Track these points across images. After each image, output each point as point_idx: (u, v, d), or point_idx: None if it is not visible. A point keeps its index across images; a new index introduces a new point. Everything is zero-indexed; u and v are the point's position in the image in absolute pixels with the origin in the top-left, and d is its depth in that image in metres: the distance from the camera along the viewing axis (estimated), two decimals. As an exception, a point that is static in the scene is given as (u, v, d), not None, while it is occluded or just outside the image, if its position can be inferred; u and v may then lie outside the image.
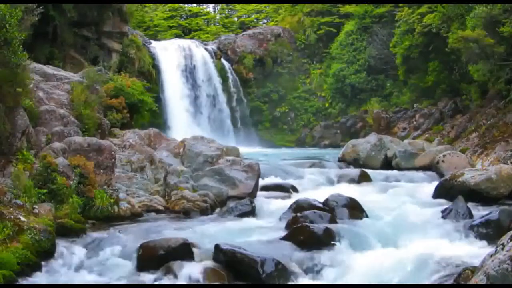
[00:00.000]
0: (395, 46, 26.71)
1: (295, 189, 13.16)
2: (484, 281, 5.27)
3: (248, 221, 10.15)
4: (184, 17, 42.79)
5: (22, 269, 7.01)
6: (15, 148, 9.87)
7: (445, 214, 9.90)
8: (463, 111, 22.63)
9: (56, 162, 9.58)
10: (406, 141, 19.33)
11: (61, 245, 8.08)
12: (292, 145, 30.06)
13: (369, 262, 7.59)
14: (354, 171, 15.31)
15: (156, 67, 27.24)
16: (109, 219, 9.79)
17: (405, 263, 7.46)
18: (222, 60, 31.11)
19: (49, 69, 14.65)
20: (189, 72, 28.96)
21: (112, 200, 10.03)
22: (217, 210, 11.14)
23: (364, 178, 14.53)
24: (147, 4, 41.05)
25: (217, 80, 29.68)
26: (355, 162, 17.58)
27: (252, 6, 43.13)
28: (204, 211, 10.84)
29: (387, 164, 17.29)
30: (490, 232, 8.60)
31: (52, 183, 9.22)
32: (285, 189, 13.13)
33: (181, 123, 26.09)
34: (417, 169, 16.26)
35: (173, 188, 11.44)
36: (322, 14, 33.61)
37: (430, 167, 15.95)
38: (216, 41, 33.33)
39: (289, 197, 12.17)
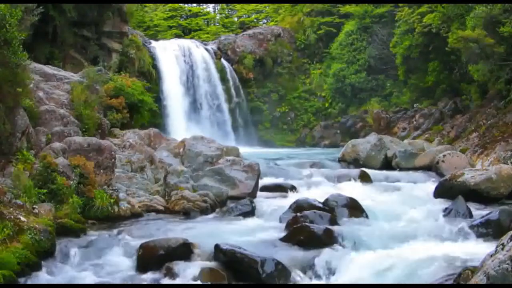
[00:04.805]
0: (395, 46, 26.70)
1: (295, 189, 13.15)
2: (484, 281, 5.26)
3: (248, 221, 10.15)
4: (184, 17, 42.78)
5: (22, 269, 7.01)
6: (15, 148, 9.87)
7: (445, 214, 9.91)
8: (463, 111, 22.62)
9: (56, 162, 9.58)
10: (406, 141, 19.33)
11: (61, 245, 8.09)
12: (292, 145, 30.03)
13: (369, 262, 7.59)
14: (354, 171, 15.29)
15: (156, 67, 27.21)
16: (109, 219, 9.80)
17: (405, 263, 7.46)
18: (222, 60, 31.09)
19: (49, 69, 14.65)
20: (189, 72, 28.94)
21: (112, 200, 10.03)
22: (217, 210, 11.13)
23: (364, 178, 14.51)
24: (147, 4, 41.04)
25: (217, 80, 29.66)
26: (355, 162, 17.56)
27: (252, 6, 43.11)
28: (204, 211, 10.85)
29: (387, 164, 17.27)
30: (490, 232, 8.60)
31: (52, 183, 9.22)
32: (285, 189, 13.13)
33: (181, 123, 26.07)
34: (417, 169, 16.24)
35: (173, 188, 11.44)
36: (322, 14, 33.59)
37: (430, 167, 15.93)
38: (216, 41, 33.31)
39: (289, 197, 12.16)
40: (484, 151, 16.15)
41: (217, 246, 7.63)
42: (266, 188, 13.19)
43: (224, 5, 45.19)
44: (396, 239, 8.62)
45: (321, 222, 9.09)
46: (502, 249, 5.55)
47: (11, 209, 8.05)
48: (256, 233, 9.07)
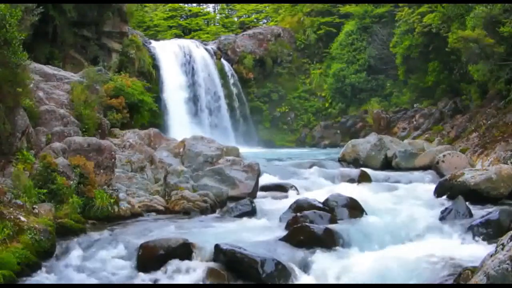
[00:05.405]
0: (395, 46, 26.72)
1: (295, 189, 13.14)
2: (484, 281, 5.27)
3: (248, 221, 10.15)
4: (184, 17, 42.79)
5: (22, 269, 7.00)
6: (15, 148, 9.87)
7: (445, 214, 9.90)
8: (463, 111, 22.64)
9: (56, 162, 9.58)
10: (406, 141, 19.33)
11: (61, 245, 8.09)
12: (292, 145, 30.06)
13: (369, 262, 7.58)
14: (354, 171, 15.28)
15: (156, 67, 27.23)
16: (109, 219, 9.79)
17: (405, 263, 7.46)
18: (222, 60, 31.12)
19: (49, 69, 14.65)
20: (189, 72, 28.96)
21: (112, 200, 10.03)
22: (217, 210, 11.13)
23: (364, 178, 14.51)
24: (147, 4, 41.05)
25: (217, 80, 29.67)
26: (355, 162, 17.56)
27: (252, 6, 43.13)
28: (204, 211, 10.84)
29: (387, 164, 17.27)
30: (490, 232, 8.59)
31: (52, 183, 9.22)
32: (285, 189, 13.13)
33: (181, 123, 26.07)
34: (417, 169, 16.24)
35: (173, 188, 11.44)
36: (322, 14, 33.61)
37: (430, 167, 15.92)
38: (216, 41, 33.33)
39: (289, 197, 12.16)
40: (484, 151, 16.15)
41: (217, 246, 7.63)
42: (266, 188, 13.19)
43: (224, 5, 45.21)
44: (396, 239, 8.63)
45: (321, 222, 9.09)
46: (502, 249, 5.55)
47: (11, 209, 8.05)
48: (256, 233, 9.06)
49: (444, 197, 11.77)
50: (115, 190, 10.52)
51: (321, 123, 30.64)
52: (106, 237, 8.67)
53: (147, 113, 20.44)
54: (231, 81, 30.54)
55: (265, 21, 42.41)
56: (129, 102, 18.11)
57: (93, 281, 7.30)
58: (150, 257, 7.67)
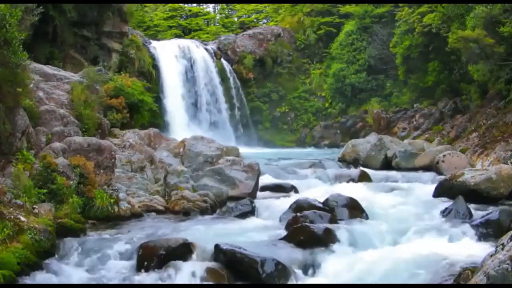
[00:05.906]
0: (395, 46, 26.72)
1: (295, 189, 13.15)
2: (484, 281, 5.27)
3: (248, 221, 10.16)
4: (184, 17, 42.79)
5: (22, 269, 7.00)
6: (15, 148, 9.87)
7: (445, 214, 9.91)
8: (463, 111, 22.64)
9: (56, 162, 9.58)
10: (406, 141, 19.33)
11: (61, 245, 8.09)
12: (292, 145, 30.06)
13: (369, 262, 7.59)
14: (354, 171, 15.30)
15: (156, 67, 27.23)
16: (109, 219, 9.80)
17: (405, 263, 7.46)
18: (222, 60, 31.11)
19: (49, 69, 14.66)
20: (189, 72, 28.95)
21: (112, 200, 10.03)
22: (217, 210, 11.13)
23: (364, 178, 14.52)
24: (147, 4, 41.05)
25: (217, 80, 29.67)
26: (355, 162, 17.56)
27: (252, 6, 43.13)
28: (204, 211, 10.84)
29: (387, 164, 17.27)
30: (490, 232, 8.60)
31: (52, 183, 9.22)
32: (285, 189, 13.13)
33: (181, 123, 26.09)
34: (417, 169, 16.24)
35: (173, 188, 11.44)
36: (322, 14, 33.62)
37: (430, 167, 15.93)
38: (216, 41, 33.33)
39: (289, 197, 12.16)
40: (484, 151, 16.15)
41: (217, 246, 7.63)
42: (266, 188, 13.19)
43: (224, 5, 45.20)
44: (396, 239, 8.63)
45: (321, 222, 9.09)
46: (502, 249, 5.55)
47: (11, 209, 8.05)
48: (256, 233, 9.07)
49: (444, 197, 11.77)
50: (115, 190, 10.52)
51: (321, 123, 30.64)
52: (106, 237, 8.68)
53: (147, 113, 20.44)
54: (231, 81, 30.54)
55: (265, 21, 42.40)
56: (129, 102, 18.12)
57: (93, 281, 7.30)
58: (150, 257, 7.66)
